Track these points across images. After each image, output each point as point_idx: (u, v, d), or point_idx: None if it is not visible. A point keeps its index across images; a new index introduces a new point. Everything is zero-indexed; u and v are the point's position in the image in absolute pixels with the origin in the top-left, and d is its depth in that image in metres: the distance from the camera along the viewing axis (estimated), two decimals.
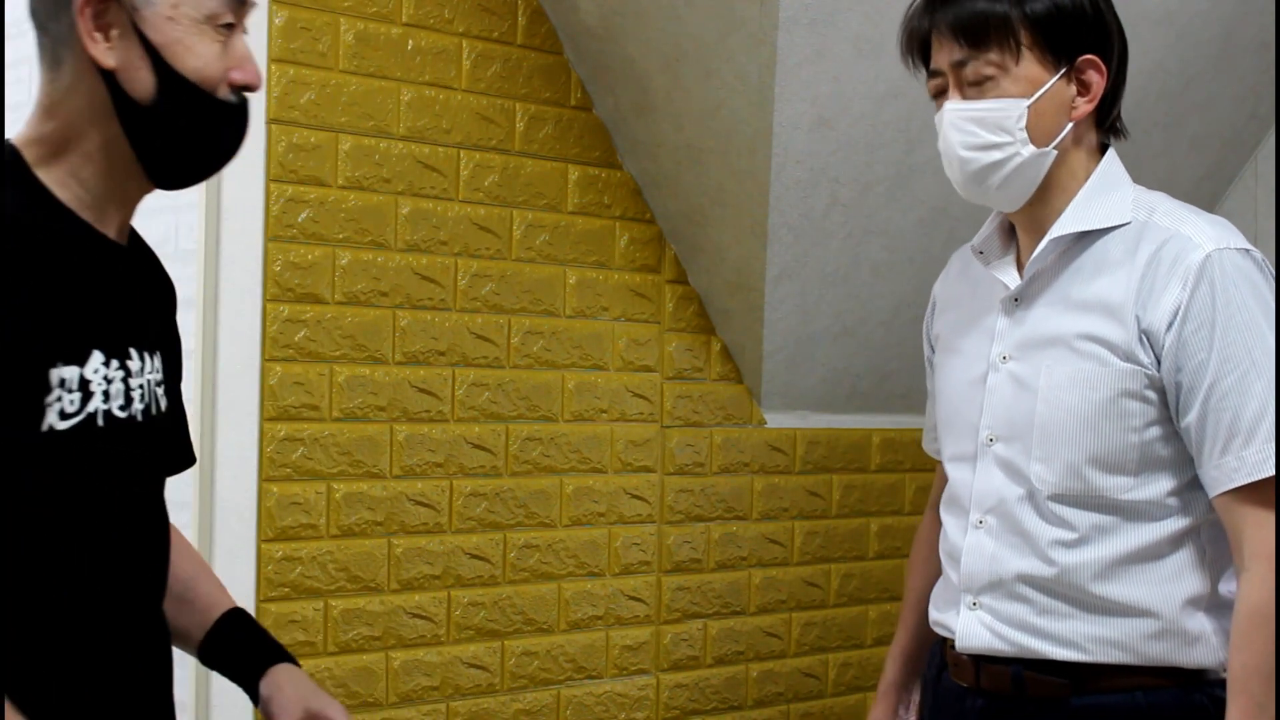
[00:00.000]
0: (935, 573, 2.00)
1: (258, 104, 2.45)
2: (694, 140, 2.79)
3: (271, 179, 2.47)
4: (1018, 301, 1.82)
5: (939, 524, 2.02)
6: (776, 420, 3.14)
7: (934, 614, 1.91)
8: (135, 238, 1.55)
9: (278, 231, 2.47)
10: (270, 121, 2.47)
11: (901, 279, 3.04)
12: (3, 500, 1.31)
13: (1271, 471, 1.65)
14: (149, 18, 1.38)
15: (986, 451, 1.82)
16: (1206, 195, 3.40)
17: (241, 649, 1.63)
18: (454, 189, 2.68)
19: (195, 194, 2.45)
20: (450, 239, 2.67)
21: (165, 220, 3.52)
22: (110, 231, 1.45)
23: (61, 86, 1.42)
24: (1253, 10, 3.08)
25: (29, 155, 1.41)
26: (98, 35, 1.38)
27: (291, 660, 1.62)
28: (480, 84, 2.71)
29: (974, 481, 1.83)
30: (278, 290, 2.47)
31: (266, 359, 2.46)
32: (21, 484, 1.32)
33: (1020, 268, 1.84)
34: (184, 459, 1.69)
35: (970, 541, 1.82)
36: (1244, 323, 1.67)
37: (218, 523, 2.42)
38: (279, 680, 1.58)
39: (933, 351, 2.02)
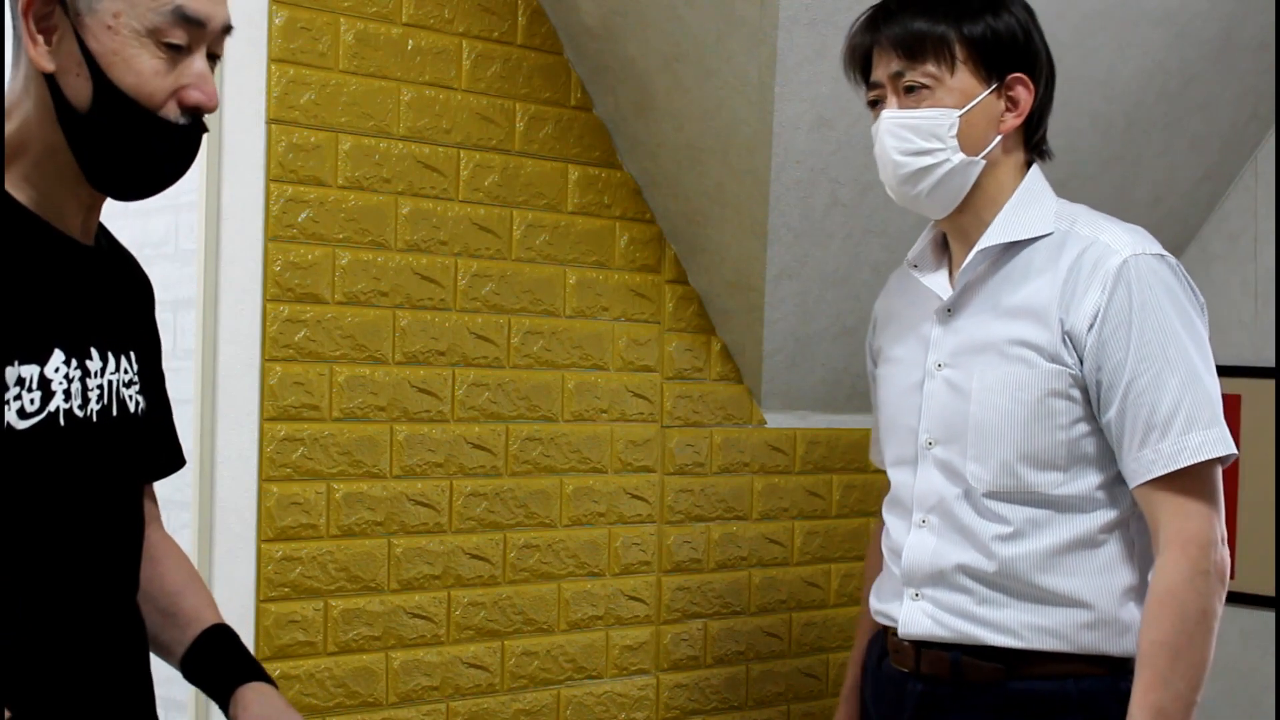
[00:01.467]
0: None
1: (258, 104, 2.45)
2: (694, 140, 2.79)
3: (271, 179, 2.47)
4: (950, 311, 1.92)
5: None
6: (776, 420, 3.14)
7: (875, 604, 2.01)
8: (105, 238, 1.53)
9: (278, 231, 2.47)
10: (270, 121, 2.47)
11: None
12: None
13: (1186, 462, 1.75)
14: (90, 25, 1.35)
15: (926, 454, 1.92)
16: (1206, 195, 3.40)
17: (217, 665, 1.61)
18: (454, 189, 2.68)
19: (195, 194, 2.45)
20: (450, 239, 2.67)
21: (165, 220, 3.52)
22: (72, 231, 1.43)
23: (17, 88, 1.40)
24: (1253, 10, 3.08)
25: None
26: (39, 37, 1.36)
27: (266, 679, 1.61)
28: (480, 84, 2.71)
29: (915, 483, 1.93)
30: (278, 290, 2.47)
31: (266, 359, 2.46)
32: None
33: (952, 278, 1.95)
34: (170, 461, 1.67)
35: (912, 539, 1.93)
36: (1158, 323, 1.77)
37: (218, 523, 2.42)
38: (246, 699, 1.57)
39: (874, 365, 2.14)
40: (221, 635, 1.63)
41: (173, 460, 1.69)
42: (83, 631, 1.42)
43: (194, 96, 1.39)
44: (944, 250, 1.99)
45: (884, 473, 2.07)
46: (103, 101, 1.35)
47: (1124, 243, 1.82)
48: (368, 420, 2.57)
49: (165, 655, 1.64)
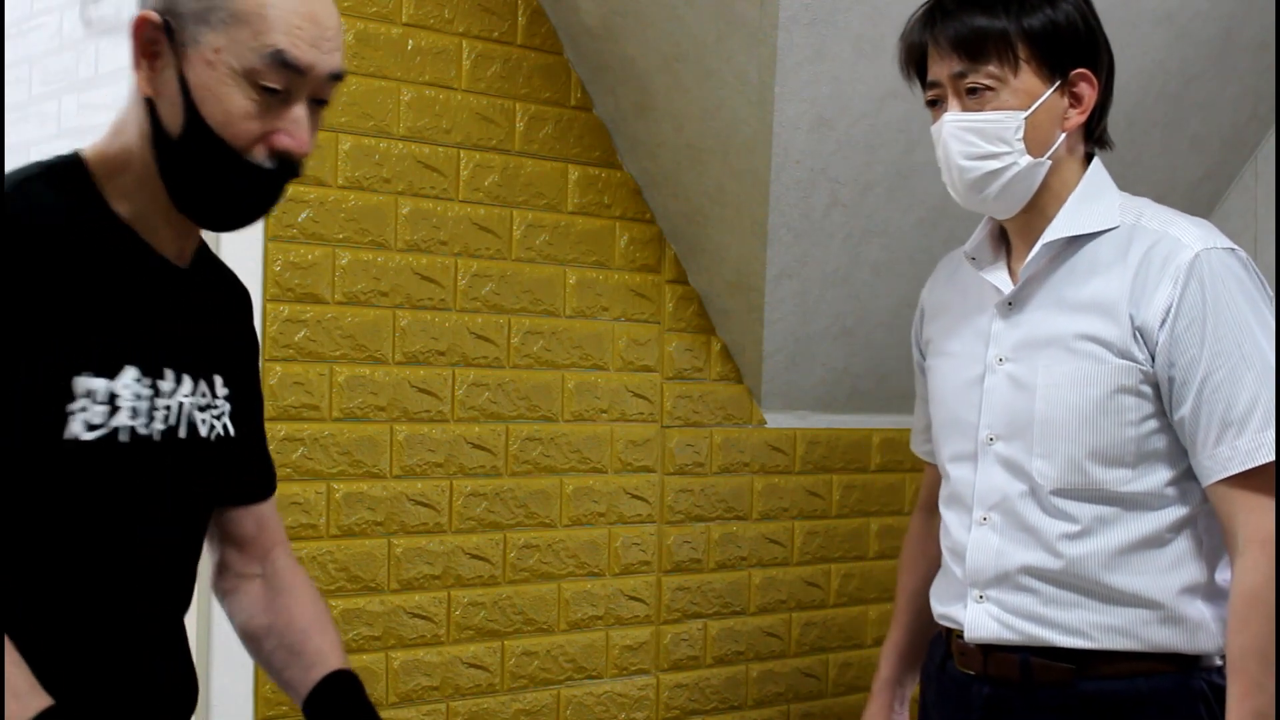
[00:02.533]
0: (927, 571, 2.08)
1: None
2: (694, 140, 2.79)
3: None
4: (1011, 305, 1.88)
5: (929, 524, 2.12)
6: (776, 420, 3.14)
7: (938, 608, 1.96)
8: (205, 261, 1.54)
9: (278, 231, 2.47)
10: None
11: (901, 279, 3.04)
12: (16, 504, 1.32)
13: (1264, 460, 1.71)
14: (191, 57, 1.37)
15: (987, 450, 1.88)
16: (1206, 195, 3.40)
17: (340, 713, 1.60)
18: (454, 189, 2.68)
19: None
20: (450, 239, 2.67)
21: None
22: (167, 251, 1.45)
23: (126, 108, 1.43)
24: (1253, 10, 3.08)
25: (96, 168, 1.42)
26: (144, 62, 1.38)
27: None
28: (480, 84, 2.71)
29: (975, 480, 1.89)
30: (278, 290, 2.47)
31: (266, 359, 2.46)
32: (39, 490, 1.32)
33: (1011, 272, 1.91)
34: (262, 485, 1.67)
35: (975, 538, 1.88)
36: (1233, 318, 1.74)
37: None
38: None
39: (923, 357, 2.08)
40: (344, 682, 1.62)
41: (265, 484, 1.68)
42: (121, 645, 1.43)
43: (283, 142, 1.39)
44: (1001, 242, 1.95)
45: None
46: (190, 133, 1.37)
47: (1194, 236, 1.79)
48: (368, 420, 2.57)
49: (289, 691, 1.64)
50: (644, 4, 2.65)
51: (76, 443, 1.34)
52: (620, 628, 2.91)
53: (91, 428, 1.35)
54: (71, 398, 1.33)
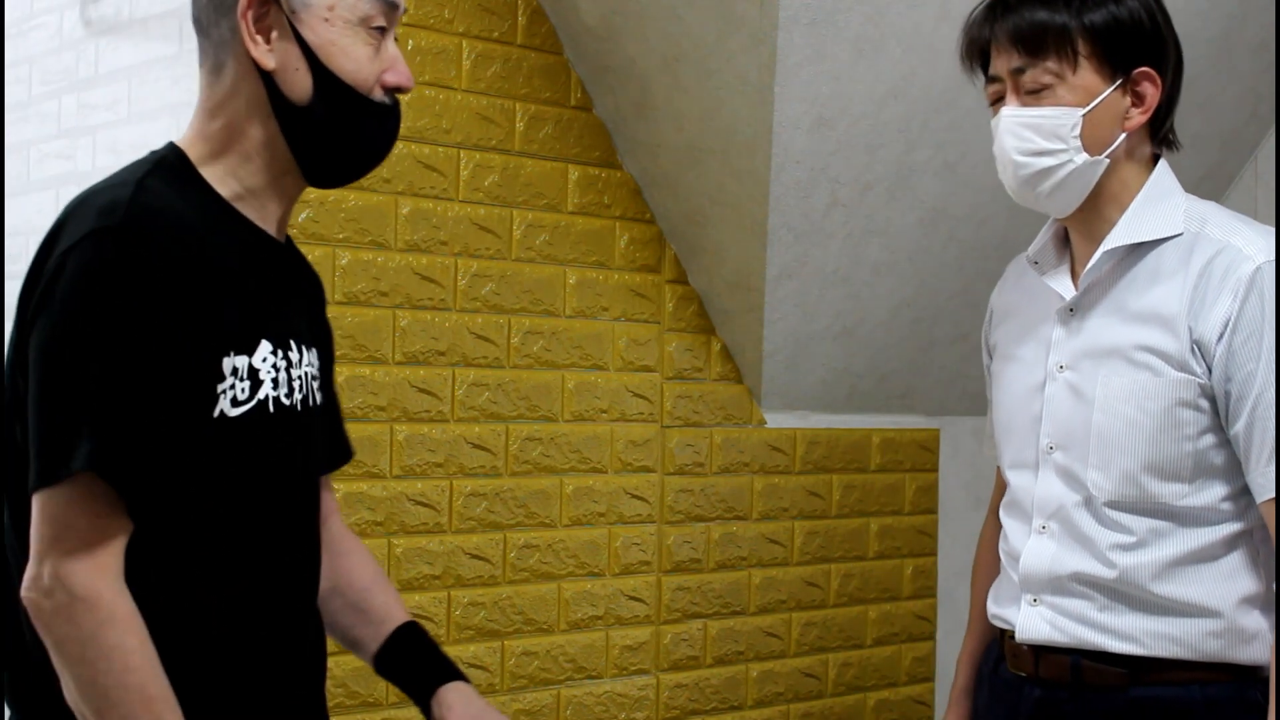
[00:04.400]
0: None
1: None
2: (694, 140, 2.79)
3: None
4: (1073, 312, 1.84)
5: (1000, 529, 2.04)
6: (776, 420, 3.14)
7: (993, 608, 1.93)
8: (289, 241, 1.60)
9: None
10: None
11: (901, 279, 3.04)
12: (177, 487, 1.36)
13: None
14: (306, 20, 1.43)
15: (1047, 459, 1.85)
16: (1206, 195, 3.38)
17: (415, 665, 1.65)
18: (454, 189, 2.68)
19: None
20: (450, 239, 2.67)
21: None
22: (270, 228, 1.51)
23: (223, 89, 1.47)
24: (1253, 10, 3.08)
25: (193, 155, 1.47)
26: (258, 38, 1.43)
27: (463, 678, 1.65)
28: (480, 84, 2.71)
29: (1035, 488, 1.86)
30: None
31: None
32: (196, 468, 1.37)
33: (1075, 276, 1.87)
34: (340, 454, 1.72)
35: (1031, 544, 1.85)
36: None
37: None
38: (450, 700, 1.61)
39: (990, 360, 2.04)
40: (415, 633, 1.66)
41: (344, 452, 1.74)
42: (274, 621, 1.47)
43: (393, 79, 1.49)
44: (1065, 245, 1.91)
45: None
46: (323, 91, 1.44)
47: (1258, 248, 1.74)
48: (368, 420, 2.57)
49: (357, 651, 1.68)
50: (644, 4, 2.65)
51: (228, 419, 1.39)
52: (620, 628, 2.91)
53: (238, 403, 1.41)
54: (221, 378, 1.39)
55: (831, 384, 3.15)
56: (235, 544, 1.42)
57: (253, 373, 1.42)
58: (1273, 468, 1.69)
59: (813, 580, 3.21)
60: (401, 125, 2.60)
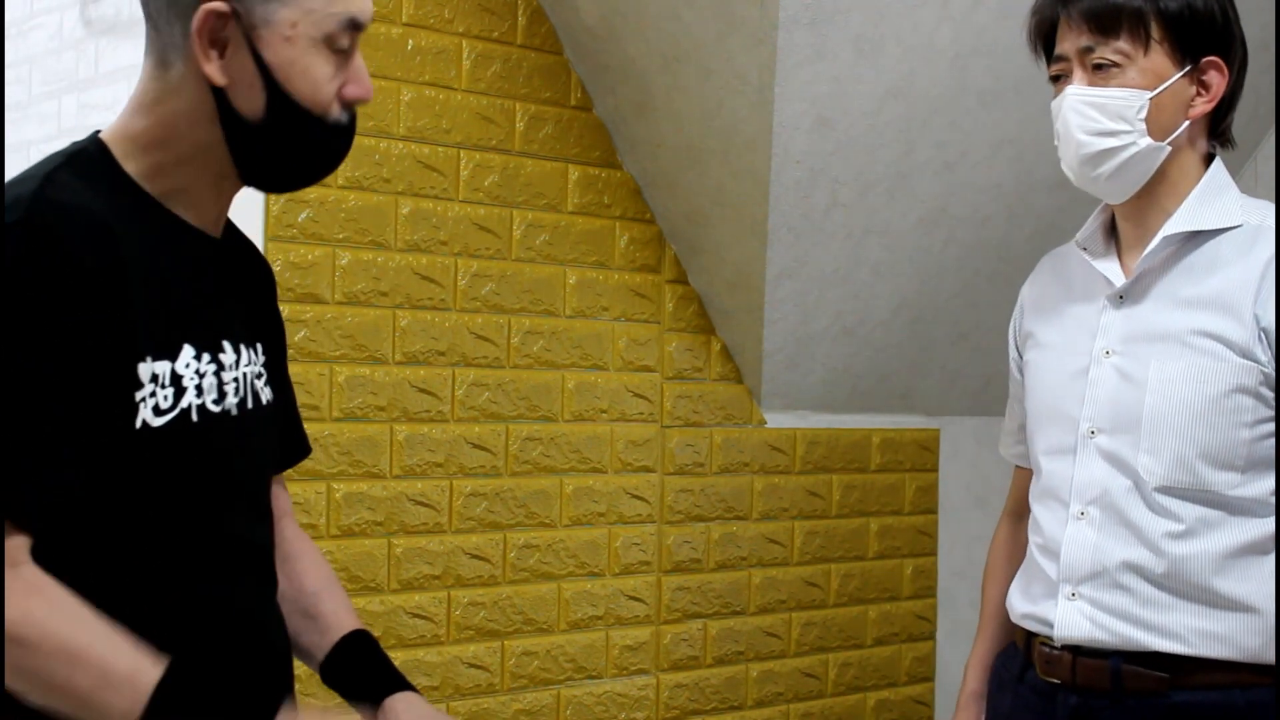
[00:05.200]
0: (1012, 580, 2.00)
1: None
2: (694, 140, 2.79)
3: None
4: (1123, 298, 1.84)
5: (1016, 531, 2.04)
6: (776, 420, 3.14)
7: (1025, 607, 1.90)
8: (230, 229, 1.54)
9: (278, 231, 2.47)
10: None
11: (901, 279, 3.04)
12: (99, 498, 1.31)
13: None
14: (266, 37, 1.37)
15: (1088, 443, 1.83)
16: None
17: (361, 674, 1.60)
18: (454, 189, 2.68)
19: None
20: (450, 239, 2.67)
21: None
22: (202, 224, 1.45)
23: (166, 87, 1.41)
24: (1253, 10, 3.08)
25: (119, 149, 1.41)
26: (213, 53, 1.37)
27: (411, 688, 1.60)
28: (480, 84, 2.71)
29: (1074, 473, 1.84)
30: (278, 290, 2.47)
31: None
32: (119, 481, 1.32)
33: (1123, 264, 1.86)
34: (296, 450, 1.68)
35: (1071, 532, 1.83)
36: None
37: None
38: (396, 709, 1.56)
39: (1020, 355, 2.02)
40: (362, 642, 1.61)
41: (299, 449, 1.69)
42: (221, 625, 1.42)
43: (353, 92, 1.44)
44: (1111, 235, 1.91)
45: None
46: (276, 112, 1.39)
47: None
48: (368, 420, 2.57)
49: (304, 658, 1.62)
50: (644, 4, 2.65)
51: (151, 429, 1.33)
52: (620, 628, 2.91)
53: (161, 411, 1.34)
54: (139, 385, 1.33)
55: (831, 384, 3.15)
56: (170, 557, 1.36)
57: (176, 379, 1.36)
58: None
59: (813, 580, 3.20)
60: (402, 125, 2.61)
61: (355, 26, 1.42)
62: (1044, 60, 1.87)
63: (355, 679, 1.59)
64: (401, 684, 1.59)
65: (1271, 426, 1.74)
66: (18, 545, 1.26)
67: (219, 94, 1.38)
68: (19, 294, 1.25)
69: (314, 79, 1.40)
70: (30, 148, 3.05)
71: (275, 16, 1.37)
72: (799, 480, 3.18)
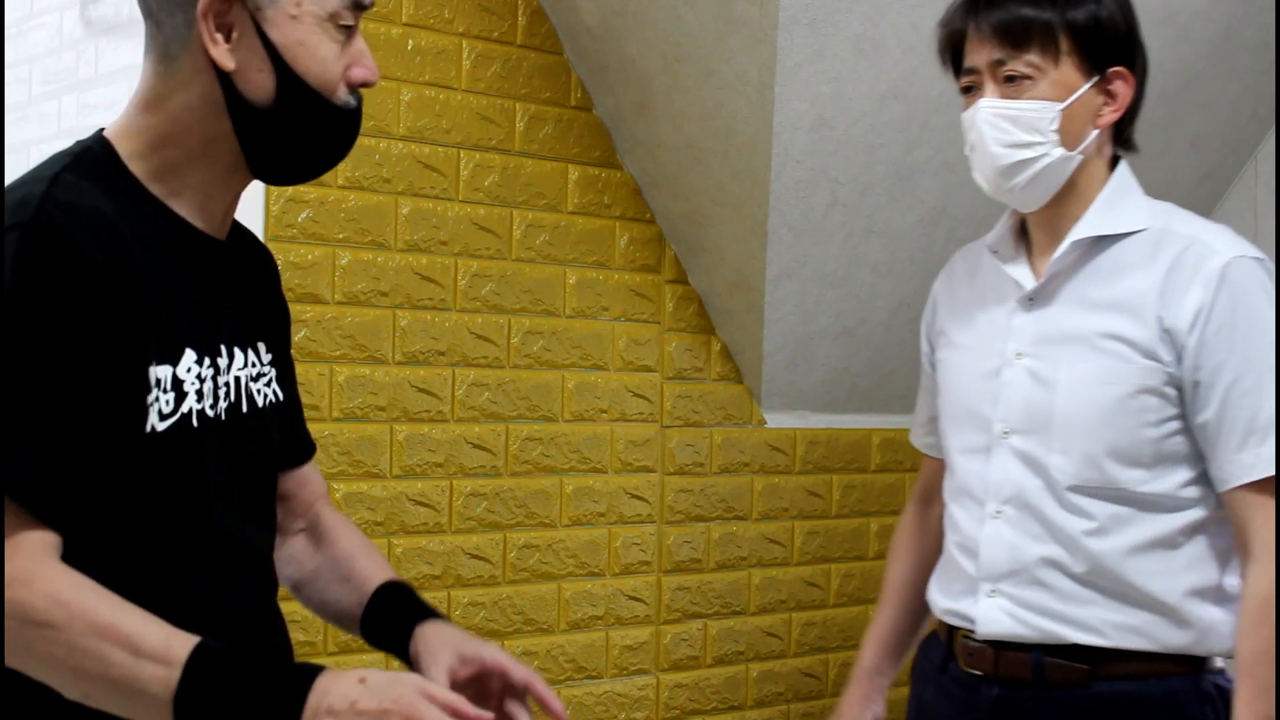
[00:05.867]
0: (918, 562, 2.10)
1: None
2: (694, 140, 2.79)
3: None
4: (1033, 300, 1.89)
5: (924, 516, 2.12)
6: (776, 420, 3.14)
7: (944, 603, 1.96)
8: (235, 228, 1.53)
9: (278, 231, 2.47)
10: None
11: (901, 279, 3.04)
12: (111, 502, 1.30)
13: None
14: (272, 17, 1.36)
15: (1001, 443, 1.88)
16: (1206, 195, 3.40)
17: (393, 617, 1.57)
18: (454, 189, 2.68)
19: None
20: (450, 239, 2.67)
21: None
22: (209, 225, 1.44)
23: (171, 82, 1.39)
24: (1253, 10, 3.08)
25: (124, 148, 1.39)
26: (219, 36, 1.36)
27: (443, 617, 1.56)
28: (480, 84, 2.71)
29: (988, 473, 1.89)
30: None
31: None
32: (123, 483, 1.31)
33: (1033, 268, 1.91)
34: (302, 449, 1.66)
35: (988, 531, 1.88)
36: (1262, 326, 1.76)
37: None
38: (425, 634, 1.53)
39: (932, 349, 2.07)
40: (395, 590, 1.59)
41: (305, 447, 1.68)
42: (217, 629, 1.40)
43: (359, 74, 1.43)
44: (1022, 238, 1.96)
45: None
46: (286, 94, 1.38)
47: (1226, 244, 1.80)
48: (368, 420, 2.57)
49: (347, 624, 1.61)
50: (644, 4, 2.65)
51: (157, 434, 1.33)
52: (620, 628, 2.91)
53: (164, 416, 1.34)
54: (149, 389, 1.32)
55: (831, 384, 3.15)
56: (167, 559, 1.36)
57: (177, 384, 1.35)
58: (1243, 455, 1.75)
59: (813, 580, 3.21)
60: (402, 125, 2.61)
61: (359, 5, 1.41)
62: (952, 71, 1.92)
63: (387, 625, 1.57)
64: (432, 614, 1.56)
65: (1177, 425, 1.80)
66: (47, 542, 1.25)
67: (226, 83, 1.37)
68: (33, 294, 1.24)
69: (321, 58, 1.39)
70: (30, 148, 3.05)
71: None
72: (799, 480, 3.18)
